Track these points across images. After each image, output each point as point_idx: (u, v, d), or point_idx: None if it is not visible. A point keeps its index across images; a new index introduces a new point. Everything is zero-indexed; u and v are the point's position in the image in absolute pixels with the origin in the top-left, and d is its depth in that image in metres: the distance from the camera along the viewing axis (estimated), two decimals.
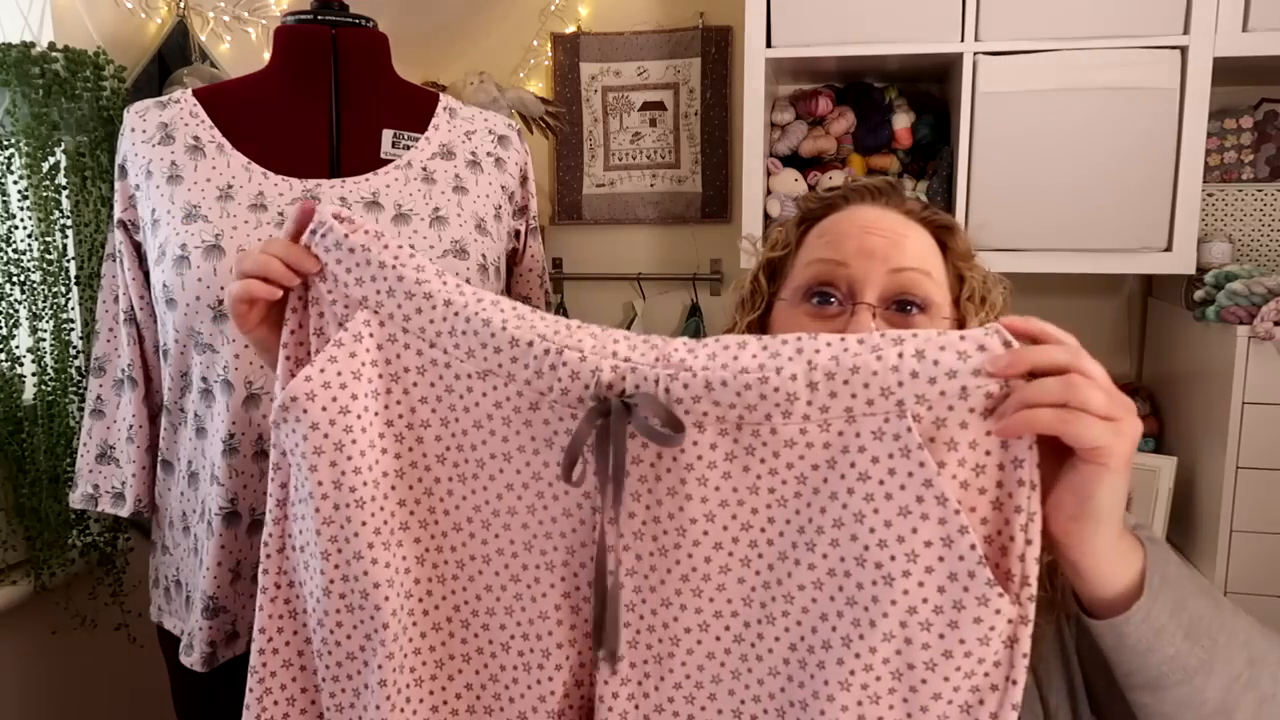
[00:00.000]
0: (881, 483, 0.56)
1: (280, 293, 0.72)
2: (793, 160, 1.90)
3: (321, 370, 0.68)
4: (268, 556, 0.74)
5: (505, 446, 0.67)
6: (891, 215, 0.80)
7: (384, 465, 0.69)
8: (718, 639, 0.63)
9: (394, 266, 0.69)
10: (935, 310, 0.76)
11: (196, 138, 1.09)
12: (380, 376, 0.69)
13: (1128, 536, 0.60)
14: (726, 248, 2.17)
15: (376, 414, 0.69)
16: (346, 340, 0.69)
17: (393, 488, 0.70)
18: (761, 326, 0.83)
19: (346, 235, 0.70)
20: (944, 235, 0.81)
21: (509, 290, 1.27)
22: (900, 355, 0.55)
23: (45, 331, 1.39)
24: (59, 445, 1.39)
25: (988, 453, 0.55)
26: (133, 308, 1.12)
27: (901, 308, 0.76)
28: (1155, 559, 0.60)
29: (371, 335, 0.69)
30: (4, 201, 1.34)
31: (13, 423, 1.37)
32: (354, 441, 0.68)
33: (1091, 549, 0.56)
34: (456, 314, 0.67)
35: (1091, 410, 0.52)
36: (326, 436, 0.68)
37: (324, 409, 0.68)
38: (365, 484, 0.68)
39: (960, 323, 0.79)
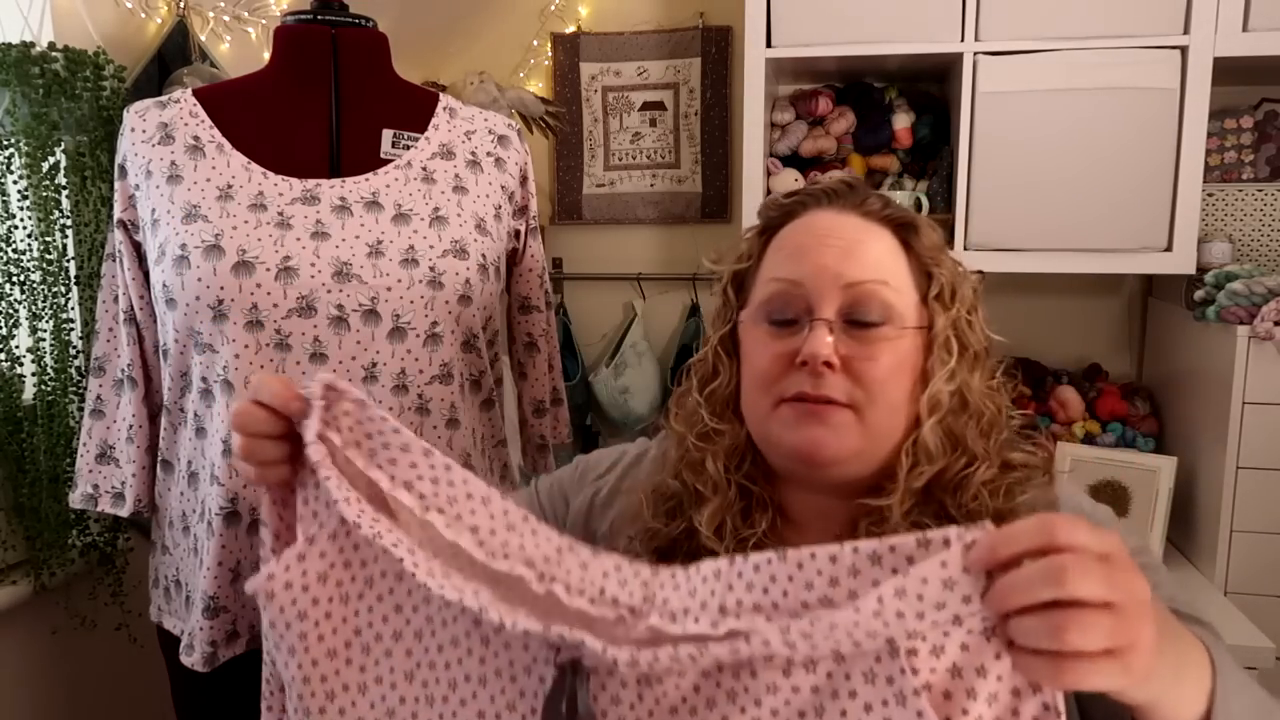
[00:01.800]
0: None
1: (273, 446, 0.66)
2: (793, 160, 1.90)
3: (286, 568, 0.64)
4: (268, 709, 0.71)
5: (481, 669, 0.63)
6: (849, 219, 0.78)
7: (345, 678, 0.65)
8: None
9: (370, 531, 0.62)
10: (897, 319, 0.74)
11: (196, 137, 1.09)
12: (353, 579, 0.65)
13: (1187, 644, 0.56)
14: None
15: (344, 619, 0.65)
16: (320, 539, 0.65)
17: (353, 704, 0.65)
18: (732, 340, 0.82)
19: (325, 478, 0.63)
20: (906, 234, 0.79)
21: (509, 290, 1.27)
22: (880, 600, 0.51)
23: (45, 331, 1.39)
24: (59, 445, 1.39)
25: (999, 678, 0.51)
26: (133, 308, 1.12)
27: (861, 320, 0.74)
28: (1223, 672, 0.57)
29: (349, 534, 0.65)
30: (4, 201, 1.34)
31: (13, 423, 1.37)
32: (307, 650, 0.64)
33: (1149, 703, 0.53)
34: (431, 586, 0.60)
35: (1088, 600, 0.46)
36: (282, 637, 0.64)
37: (281, 610, 0.64)
38: (314, 694, 0.65)
39: (930, 322, 0.77)
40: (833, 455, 0.73)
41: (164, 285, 1.04)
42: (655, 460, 0.87)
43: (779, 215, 0.82)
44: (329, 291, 1.03)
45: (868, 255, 0.76)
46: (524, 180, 1.23)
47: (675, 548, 0.78)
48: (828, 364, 0.72)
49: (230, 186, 1.06)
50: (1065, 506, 0.78)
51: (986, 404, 0.76)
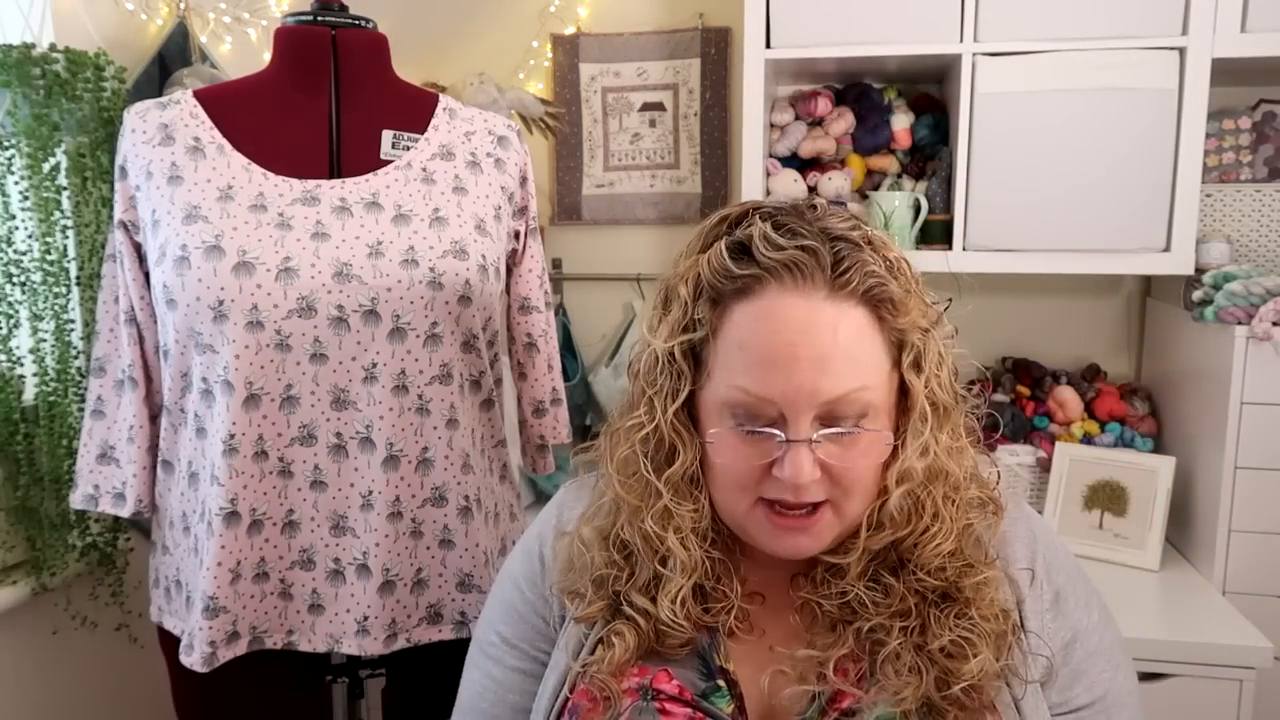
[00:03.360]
0: None
1: None
2: (792, 161, 1.90)
3: None
4: None
5: None
6: (817, 310, 0.70)
7: None
8: None
9: None
10: (874, 413, 0.71)
11: (197, 138, 1.10)
12: None
13: None
14: None
15: None
16: None
17: None
18: (686, 412, 0.75)
19: None
20: (879, 308, 0.72)
21: (509, 290, 1.27)
22: None
23: (46, 332, 1.39)
24: (60, 446, 1.39)
25: None
26: (133, 308, 1.12)
27: (841, 429, 0.71)
28: None
29: None
30: (5, 202, 1.35)
31: (13, 423, 1.37)
32: None
33: None
34: None
35: None
36: None
37: None
38: None
39: (904, 387, 0.74)
40: (812, 553, 0.74)
41: (164, 286, 1.04)
42: (592, 506, 0.82)
43: (732, 289, 0.72)
44: (329, 292, 1.03)
45: (843, 361, 0.70)
46: (524, 181, 1.23)
47: (631, 602, 0.76)
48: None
49: (230, 187, 1.06)
50: (1012, 546, 0.78)
51: (950, 465, 0.74)
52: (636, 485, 0.76)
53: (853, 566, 0.73)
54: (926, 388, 0.73)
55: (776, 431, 0.70)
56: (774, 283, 0.71)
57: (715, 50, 2.12)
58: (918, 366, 0.73)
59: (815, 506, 0.72)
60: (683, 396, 0.74)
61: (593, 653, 0.76)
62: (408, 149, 1.14)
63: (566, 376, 2.00)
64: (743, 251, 0.72)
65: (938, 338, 0.75)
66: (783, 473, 0.70)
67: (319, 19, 1.15)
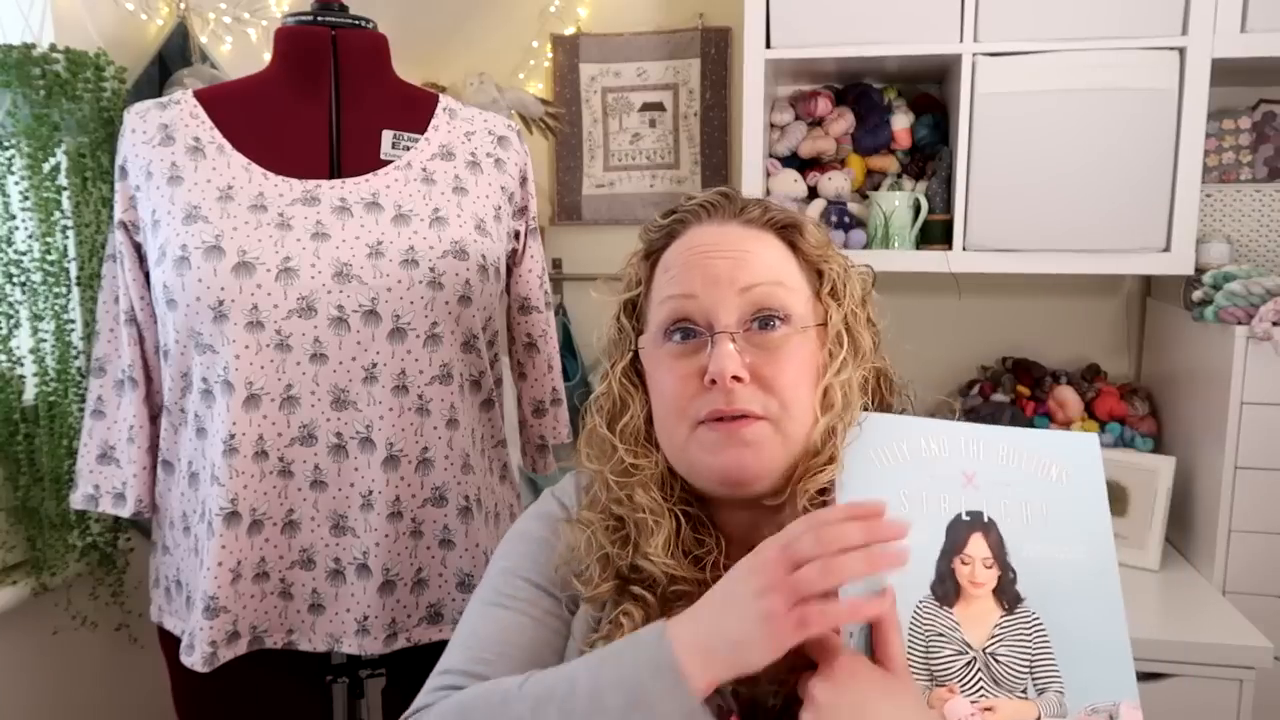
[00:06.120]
0: None
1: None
2: (792, 161, 1.90)
3: None
4: None
5: None
6: (731, 230, 0.78)
7: None
8: None
9: None
10: (796, 319, 0.75)
11: (197, 138, 1.10)
12: None
13: None
14: None
15: None
16: None
17: None
18: (634, 370, 0.81)
19: None
20: (790, 235, 0.79)
21: (509, 290, 1.27)
22: None
23: (46, 332, 1.39)
24: (60, 446, 1.40)
25: None
26: (133, 308, 1.12)
27: (763, 324, 0.74)
28: None
29: None
30: (5, 202, 1.35)
31: (13, 423, 1.37)
32: None
33: None
34: None
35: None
36: None
37: None
38: None
39: (825, 318, 0.77)
40: (755, 473, 0.73)
41: (164, 286, 1.05)
42: (591, 497, 0.83)
43: (660, 237, 0.81)
44: (329, 292, 1.03)
45: (756, 261, 0.76)
46: (523, 181, 1.23)
47: (635, 572, 0.76)
48: (736, 378, 0.71)
49: (231, 187, 1.07)
50: None
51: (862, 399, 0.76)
52: (599, 453, 0.80)
53: (787, 505, 0.73)
54: (845, 320, 0.77)
55: (703, 330, 0.74)
56: (694, 222, 0.80)
57: (715, 50, 2.12)
58: (836, 296, 0.78)
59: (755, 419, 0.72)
60: (629, 354, 0.80)
61: (604, 634, 0.76)
62: (408, 149, 1.14)
63: (566, 376, 2.00)
64: (669, 213, 0.82)
65: (859, 281, 0.81)
66: (710, 372, 0.72)
67: (319, 19, 1.15)
